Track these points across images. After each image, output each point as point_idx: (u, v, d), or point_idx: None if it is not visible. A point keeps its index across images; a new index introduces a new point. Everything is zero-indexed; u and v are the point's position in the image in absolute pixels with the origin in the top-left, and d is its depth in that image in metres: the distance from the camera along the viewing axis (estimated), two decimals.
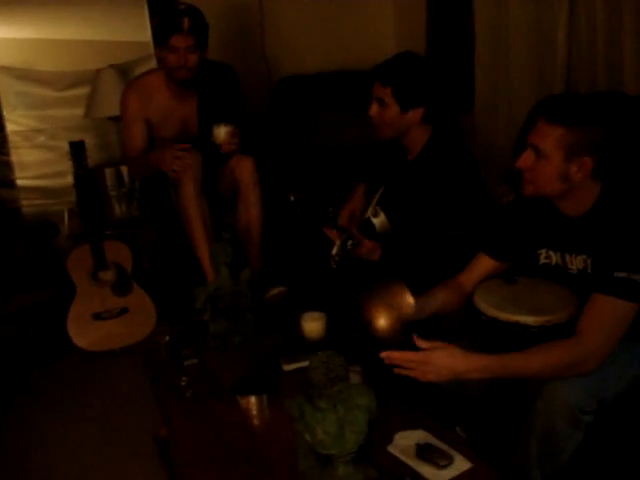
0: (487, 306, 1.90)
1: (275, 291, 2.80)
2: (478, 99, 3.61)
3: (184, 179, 2.84)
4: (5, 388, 2.98)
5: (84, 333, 3.15)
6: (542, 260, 1.99)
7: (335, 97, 3.97)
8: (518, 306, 1.86)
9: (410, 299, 1.93)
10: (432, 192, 2.42)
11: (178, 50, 2.84)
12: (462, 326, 2.05)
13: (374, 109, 2.48)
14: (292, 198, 3.27)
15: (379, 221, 2.47)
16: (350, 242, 2.39)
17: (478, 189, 2.47)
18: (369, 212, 2.50)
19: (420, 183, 2.47)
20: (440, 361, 1.69)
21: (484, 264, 2.11)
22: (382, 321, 1.89)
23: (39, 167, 4.07)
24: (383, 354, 1.69)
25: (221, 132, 2.91)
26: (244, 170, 2.98)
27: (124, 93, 3.09)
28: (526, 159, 1.84)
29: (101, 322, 3.17)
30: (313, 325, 2.25)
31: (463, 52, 3.78)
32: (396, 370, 1.70)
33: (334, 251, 2.39)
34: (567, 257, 1.92)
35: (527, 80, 3.27)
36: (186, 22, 2.80)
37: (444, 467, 1.61)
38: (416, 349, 1.72)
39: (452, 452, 1.65)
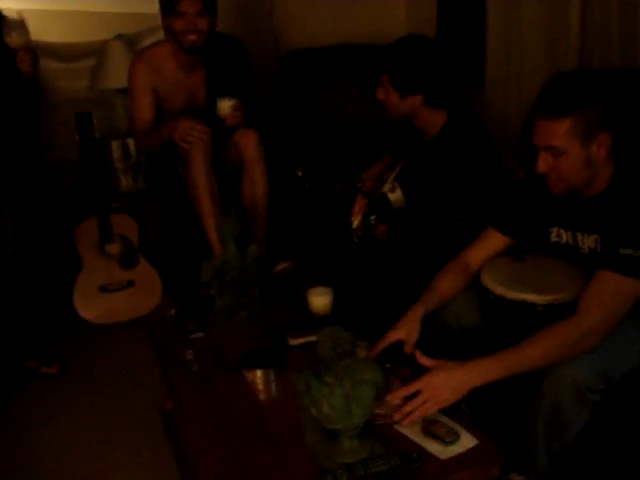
0: (494, 284, 1.89)
1: (281, 266, 2.80)
2: (489, 74, 3.57)
3: (194, 153, 2.83)
4: (11, 360, 2.99)
5: (90, 306, 3.15)
6: (553, 238, 1.97)
7: (344, 71, 3.94)
8: (525, 284, 1.86)
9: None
10: (447, 174, 2.42)
11: (187, 15, 2.81)
12: None
13: (379, 92, 2.51)
14: (300, 173, 3.25)
15: (395, 197, 2.45)
16: (373, 217, 2.37)
17: (494, 175, 2.46)
18: (386, 187, 2.48)
19: (437, 165, 2.47)
20: (439, 380, 1.67)
21: (493, 240, 2.09)
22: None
23: (46, 139, 4.04)
24: (395, 417, 1.66)
25: (225, 105, 2.89)
26: (248, 145, 2.97)
27: (132, 64, 3.07)
28: (545, 162, 1.81)
29: (107, 295, 3.17)
30: (320, 300, 2.24)
31: (474, 26, 3.73)
32: (405, 424, 1.66)
33: (355, 224, 2.37)
34: (579, 236, 1.90)
35: (539, 55, 3.24)
36: None
37: (450, 443, 1.60)
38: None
39: (458, 428, 1.65)
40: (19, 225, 2.85)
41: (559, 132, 1.75)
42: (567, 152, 1.77)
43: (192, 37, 2.86)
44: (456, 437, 1.62)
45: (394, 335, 1.92)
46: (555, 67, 3.11)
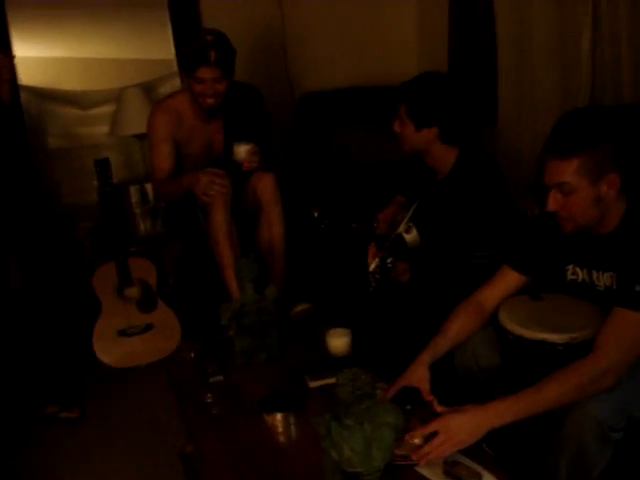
0: (512, 324, 1.89)
1: (300, 308, 2.80)
2: (502, 112, 3.60)
3: (216, 205, 2.84)
4: (31, 405, 3.00)
5: (109, 349, 3.17)
6: (569, 276, 1.98)
7: (357, 113, 3.98)
8: (544, 324, 1.85)
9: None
10: (461, 213, 2.44)
11: (205, 81, 2.85)
12: None
13: (396, 125, 2.54)
14: (315, 214, 3.27)
15: (411, 237, 2.46)
16: (390, 260, 2.38)
17: (507, 211, 2.48)
18: (401, 228, 2.49)
19: (450, 203, 2.49)
20: (456, 422, 1.66)
21: (508, 279, 2.08)
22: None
23: (64, 185, 4.10)
24: (413, 457, 1.65)
25: (241, 150, 2.92)
26: (265, 188, 2.99)
27: (152, 114, 3.10)
28: (555, 201, 1.83)
29: (126, 338, 3.19)
30: (339, 341, 2.25)
31: (486, 66, 3.78)
32: (422, 463, 1.66)
33: (372, 267, 2.38)
34: (594, 274, 1.91)
35: (551, 92, 3.26)
36: (213, 55, 2.78)
37: None
38: None
39: (480, 470, 1.63)
40: (25, 267, 2.88)
41: (568, 170, 1.77)
42: (576, 190, 1.79)
43: (210, 101, 2.90)
44: (478, 478, 1.60)
45: (401, 382, 1.93)
46: (567, 104, 3.13)
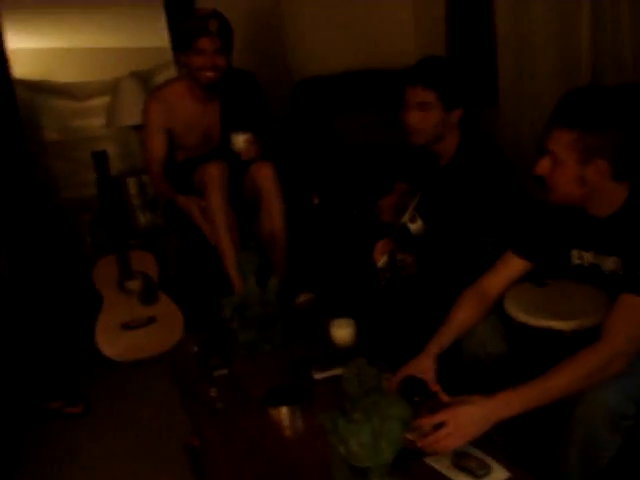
0: (518, 311, 1.87)
1: (302, 298, 2.79)
2: (502, 93, 3.55)
3: (211, 189, 2.83)
4: (35, 401, 2.99)
5: (112, 343, 3.16)
6: (574, 261, 1.95)
7: (355, 97, 3.94)
8: (549, 311, 1.83)
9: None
10: (467, 198, 2.40)
11: (205, 52, 2.84)
12: None
13: (414, 115, 2.46)
14: (316, 201, 3.25)
15: (416, 227, 2.43)
16: (400, 256, 2.34)
17: (513, 193, 2.45)
18: (406, 217, 2.46)
19: (455, 189, 2.46)
20: (465, 413, 1.64)
21: (511, 265, 2.05)
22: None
23: (63, 179, 4.08)
24: (419, 443, 1.64)
25: (240, 140, 2.90)
26: (264, 178, 2.97)
27: (147, 103, 3.08)
28: (543, 165, 1.82)
29: (129, 332, 3.17)
30: (343, 332, 2.23)
31: (484, 47, 3.73)
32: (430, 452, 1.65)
33: (380, 264, 2.35)
34: (599, 258, 1.88)
35: (552, 73, 3.22)
36: (213, 24, 2.81)
37: (481, 476, 1.58)
38: None
39: (489, 460, 1.62)
40: (17, 261, 2.86)
41: (563, 140, 1.76)
42: (563, 164, 1.78)
43: (210, 74, 2.89)
44: (487, 470, 1.59)
45: (406, 371, 1.92)
46: (569, 84, 3.08)
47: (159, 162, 3.05)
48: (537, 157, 1.86)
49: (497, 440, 1.81)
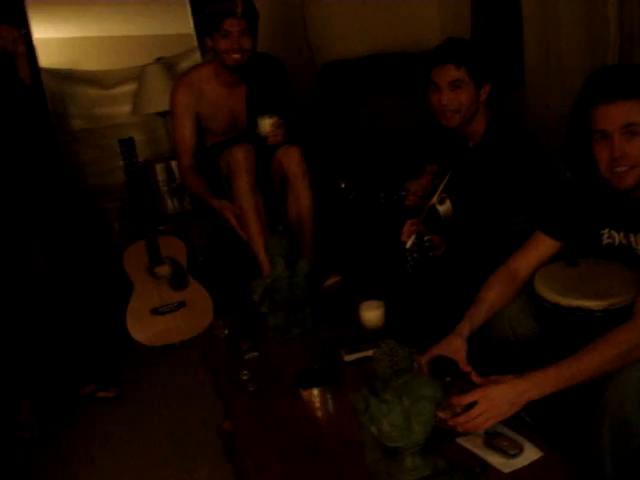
0: (549, 292, 1.85)
1: (331, 280, 2.79)
2: (528, 74, 3.53)
3: (239, 172, 2.84)
4: (68, 385, 3.04)
5: (143, 328, 3.18)
6: (605, 240, 1.93)
7: (380, 80, 3.94)
8: (580, 290, 1.81)
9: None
10: (497, 179, 2.39)
11: (232, 33, 2.84)
12: None
13: (448, 95, 2.44)
14: (342, 185, 3.25)
15: (444, 208, 2.42)
16: (427, 237, 2.33)
17: (543, 172, 2.43)
18: (434, 199, 2.44)
19: (485, 170, 2.44)
20: (496, 393, 1.64)
21: (542, 245, 2.03)
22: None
23: (90, 166, 4.12)
24: (450, 422, 1.64)
25: (266, 123, 2.91)
26: (291, 161, 2.97)
27: (174, 89, 3.09)
28: (623, 145, 1.73)
29: (159, 317, 3.20)
30: (372, 314, 2.24)
31: (510, 27, 3.69)
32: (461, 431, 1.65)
33: (408, 245, 2.33)
34: (631, 237, 1.86)
35: (578, 51, 3.19)
36: (239, 5, 2.81)
37: (513, 456, 1.58)
38: None
39: (521, 440, 1.62)
40: (48, 250, 2.89)
41: (635, 110, 1.70)
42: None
43: (236, 56, 2.89)
44: (519, 450, 1.59)
45: (436, 351, 1.92)
46: (596, 62, 3.06)
47: (189, 153, 3.05)
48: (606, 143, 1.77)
49: (527, 418, 1.82)
